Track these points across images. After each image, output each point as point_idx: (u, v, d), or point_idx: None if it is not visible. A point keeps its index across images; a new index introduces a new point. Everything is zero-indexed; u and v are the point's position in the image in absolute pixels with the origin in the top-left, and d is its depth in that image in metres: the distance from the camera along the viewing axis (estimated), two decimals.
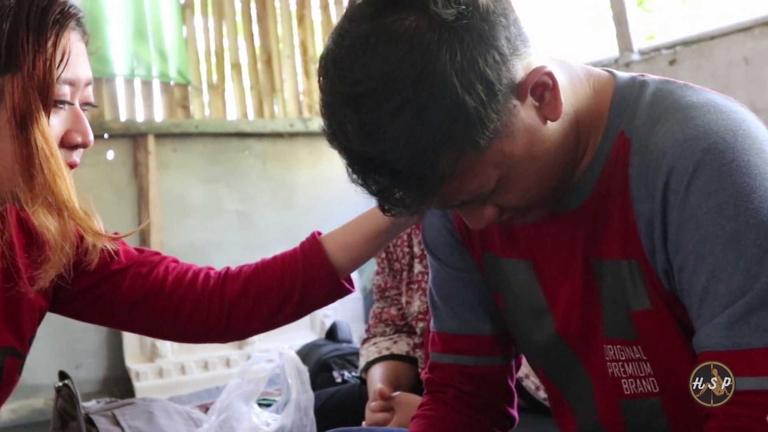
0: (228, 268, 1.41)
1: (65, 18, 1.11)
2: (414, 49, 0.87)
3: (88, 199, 1.17)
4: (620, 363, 1.06)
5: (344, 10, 0.96)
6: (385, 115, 0.88)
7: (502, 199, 0.99)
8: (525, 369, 1.76)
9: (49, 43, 1.08)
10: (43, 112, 1.08)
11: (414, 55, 0.87)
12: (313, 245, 1.38)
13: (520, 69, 0.93)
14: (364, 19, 0.91)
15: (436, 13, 0.88)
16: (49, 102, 1.09)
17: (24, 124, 1.07)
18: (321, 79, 0.95)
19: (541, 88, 0.95)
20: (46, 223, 1.12)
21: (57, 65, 1.09)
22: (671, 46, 3.37)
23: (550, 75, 0.94)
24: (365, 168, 0.93)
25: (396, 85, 0.87)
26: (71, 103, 1.14)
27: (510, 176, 0.96)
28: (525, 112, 0.94)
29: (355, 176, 0.95)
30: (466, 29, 0.88)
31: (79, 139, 1.15)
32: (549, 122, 0.97)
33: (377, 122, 0.88)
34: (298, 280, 1.35)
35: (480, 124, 0.89)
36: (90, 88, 1.17)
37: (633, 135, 0.99)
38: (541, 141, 0.96)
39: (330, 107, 0.93)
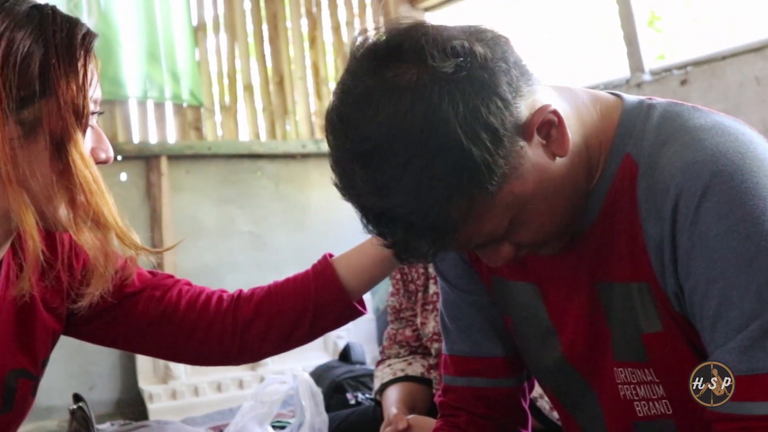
0: (240, 291, 1.41)
1: (89, 42, 1.13)
2: (416, 104, 0.87)
3: (123, 215, 1.18)
4: (632, 385, 1.06)
5: (353, 35, 0.97)
6: (393, 170, 0.88)
7: (517, 237, 0.99)
8: (539, 389, 1.75)
9: (80, 65, 1.10)
10: (80, 133, 1.09)
11: (417, 109, 0.87)
12: (325, 268, 1.38)
13: (524, 109, 0.93)
14: (365, 74, 0.92)
15: (434, 68, 0.88)
16: (85, 122, 1.11)
17: (62, 146, 1.08)
18: (329, 135, 0.96)
19: (547, 126, 0.95)
20: (90, 242, 1.13)
21: (89, 86, 1.11)
22: (682, 66, 3.37)
23: (555, 112, 0.95)
24: (378, 221, 0.94)
25: (401, 140, 0.87)
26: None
27: (522, 215, 0.96)
28: (533, 152, 0.94)
29: (370, 227, 0.96)
30: (467, 80, 0.88)
31: (103, 156, 1.17)
32: (557, 158, 0.97)
33: (386, 177, 0.89)
34: (310, 303, 1.36)
35: (488, 171, 0.89)
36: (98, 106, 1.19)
37: (640, 157, 0.99)
38: (551, 177, 0.96)
39: (339, 163, 0.95)
